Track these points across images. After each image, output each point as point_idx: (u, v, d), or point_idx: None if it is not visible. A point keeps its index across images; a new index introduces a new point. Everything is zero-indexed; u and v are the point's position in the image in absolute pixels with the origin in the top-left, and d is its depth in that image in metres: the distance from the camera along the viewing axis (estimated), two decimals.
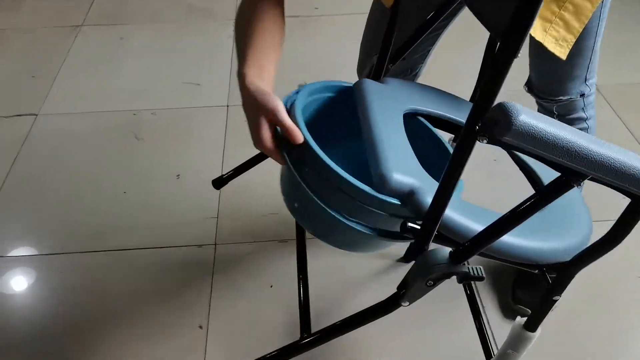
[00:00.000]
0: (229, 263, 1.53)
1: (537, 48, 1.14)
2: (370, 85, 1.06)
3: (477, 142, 0.69)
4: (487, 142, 0.69)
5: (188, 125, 1.97)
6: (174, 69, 2.21)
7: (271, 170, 1.28)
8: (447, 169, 0.73)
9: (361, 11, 2.45)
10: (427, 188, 0.85)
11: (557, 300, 0.87)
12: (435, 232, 0.80)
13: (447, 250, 0.83)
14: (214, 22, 2.48)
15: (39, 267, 1.53)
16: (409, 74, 1.34)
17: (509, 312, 1.40)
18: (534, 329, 0.92)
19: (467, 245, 0.81)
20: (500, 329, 1.36)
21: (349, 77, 1.16)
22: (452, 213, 0.84)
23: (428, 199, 0.84)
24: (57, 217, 1.66)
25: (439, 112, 1.09)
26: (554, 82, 1.21)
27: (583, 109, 1.25)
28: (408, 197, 0.85)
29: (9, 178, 1.78)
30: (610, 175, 0.69)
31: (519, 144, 0.67)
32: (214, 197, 1.70)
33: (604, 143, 0.70)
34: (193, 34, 2.41)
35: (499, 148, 0.68)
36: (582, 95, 1.22)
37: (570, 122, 1.28)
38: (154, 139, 1.91)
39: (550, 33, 1.06)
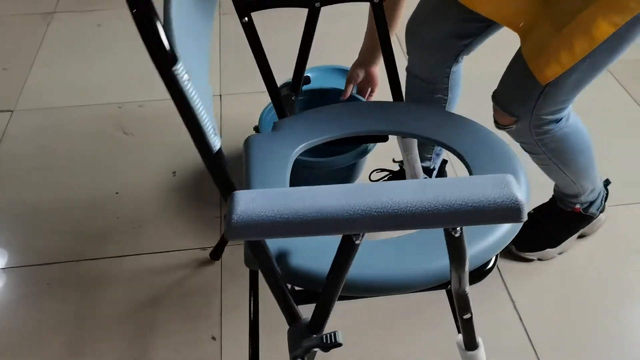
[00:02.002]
0: (237, 266, 1.41)
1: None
2: (254, 142, 1.02)
3: None
4: None
5: (179, 118, 1.83)
6: None
7: None
8: None
9: None
10: (294, 248, 0.81)
11: (470, 317, 0.80)
12: (289, 295, 0.76)
13: (307, 320, 0.77)
14: None
15: (27, 279, 1.38)
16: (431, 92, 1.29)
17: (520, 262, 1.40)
18: (473, 348, 0.86)
19: (317, 310, 0.74)
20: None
21: None
22: (305, 262, 0.79)
23: (295, 260, 0.80)
24: (45, 224, 1.51)
25: (329, 136, 1.04)
26: (511, 93, 1.12)
27: (538, 144, 1.16)
28: (279, 261, 0.81)
29: None
30: (383, 225, 0.58)
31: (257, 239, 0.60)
32: (215, 195, 1.57)
33: (375, 187, 0.59)
34: None
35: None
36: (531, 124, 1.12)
37: (533, 157, 1.24)
38: (144, 133, 1.77)
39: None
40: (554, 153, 1.19)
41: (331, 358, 1.16)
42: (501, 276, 1.38)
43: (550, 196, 1.41)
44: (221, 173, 0.60)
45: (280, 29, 1.96)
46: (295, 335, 0.75)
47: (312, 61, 1.95)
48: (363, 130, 1.02)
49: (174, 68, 0.51)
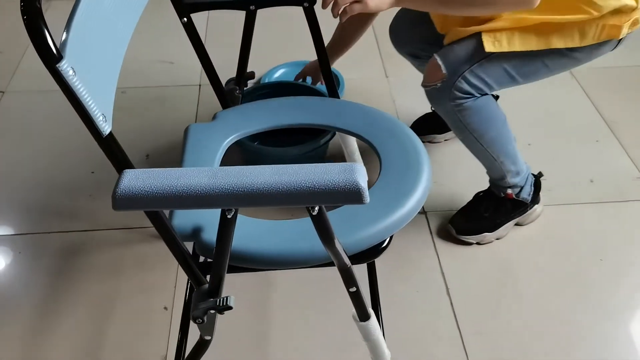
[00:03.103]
0: None
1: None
2: (192, 130, 1.13)
3: None
4: None
5: (159, 104, 1.95)
6: (147, 47, 2.18)
7: None
8: None
9: None
10: (208, 224, 0.92)
11: (356, 291, 0.89)
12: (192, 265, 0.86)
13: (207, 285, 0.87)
14: None
15: (4, 248, 1.51)
16: None
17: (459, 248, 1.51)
18: (365, 319, 0.95)
19: (212, 277, 0.84)
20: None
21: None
22: (213, 237, 0.85)
23: (206, 235, 0.92)
24: (24, 197, 1.64)
25: (261, 127, 1.14)
26: (455, 50, 1.26)
27: (453, 108, 1.28)
28: (194, 237, 0.92)
29: None
30: (245, 202, 0.67)
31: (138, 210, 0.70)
32: None
33: (241, 170, 0.68)
34: (166, 11, 2.36)
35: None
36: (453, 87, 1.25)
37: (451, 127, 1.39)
38: (123, 118, 1.89)
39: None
40: (468, 121, 1.30)
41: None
42: (439, 261, 1.47)
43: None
44: (113, 154, 0.70)
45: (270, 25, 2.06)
46: (197, 299, 0.85)
47: (288, 57, 2.05)
48: (289, 124, 1.12)
49: (58, 65, 0.61)
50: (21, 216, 1.59)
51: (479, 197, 1.51)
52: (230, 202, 0.68)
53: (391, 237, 0.95)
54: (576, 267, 1.46)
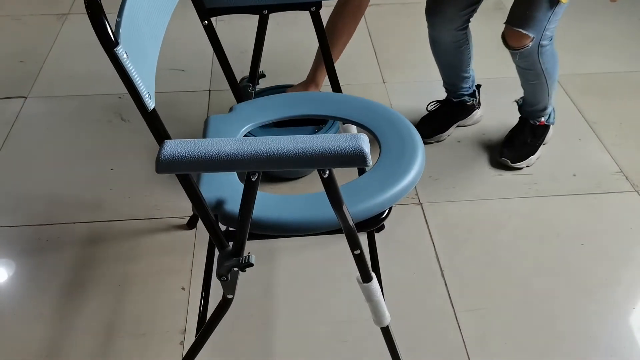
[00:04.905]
0: None
1: None
2: (212, 121, 1.25)
3: None
4: None
5: (172, 108, 2.08)
6: (160, 56, 2.30)
7: None
8: None
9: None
10: (230, 197, 1.04)
11: (360, 253, 1.01)
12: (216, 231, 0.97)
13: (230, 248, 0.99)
14: None
15: (29, 235, 1.64)
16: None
17: (497, 165, 1.85)
18: (367, 280, 1.07)
19: (235, 239, 0.96)
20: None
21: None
22: (235, 208, 0.97)
23: (229, 207, 1.03)
24: (47, 192, 1.77)
25: (274, 118, 1.27)
26: (529, 16, 1.51)
27: (539, 59, 1.56)
28: (218, 208, 1.03)
29: (0, 157, 1.88)
30: (267, 165, 0.80)
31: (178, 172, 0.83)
32: (194, 175, 1.81)
33: (264, 139, 0.81)
34: (178, 21, 2.51)
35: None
36: (539, 44, 1.54)
37: (529, 76, 1.66)
38: (139, 120, 2.01)
39: None
40: (547, 65, 1.63)
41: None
42: (434, 247, 1.60)
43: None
44: (155, 126, 0.83)
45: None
46: (222, 259, 0.98)
47: (293, 55, 2.19)
48: (299, 114, 1.25)
49: (115, 49, 0.75)
50: (47, 207, 1.72)
51: (516, 132, 1.85)
52: (255, 165, 0.82)
53: (390, 210, 1.08)
54: (559, 251, 1.59)
